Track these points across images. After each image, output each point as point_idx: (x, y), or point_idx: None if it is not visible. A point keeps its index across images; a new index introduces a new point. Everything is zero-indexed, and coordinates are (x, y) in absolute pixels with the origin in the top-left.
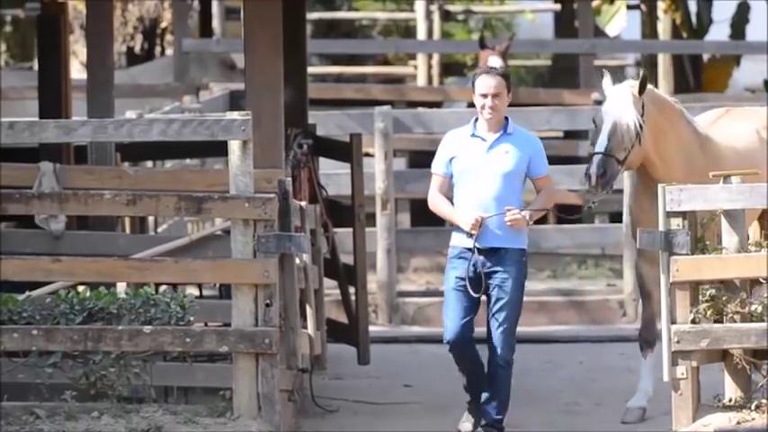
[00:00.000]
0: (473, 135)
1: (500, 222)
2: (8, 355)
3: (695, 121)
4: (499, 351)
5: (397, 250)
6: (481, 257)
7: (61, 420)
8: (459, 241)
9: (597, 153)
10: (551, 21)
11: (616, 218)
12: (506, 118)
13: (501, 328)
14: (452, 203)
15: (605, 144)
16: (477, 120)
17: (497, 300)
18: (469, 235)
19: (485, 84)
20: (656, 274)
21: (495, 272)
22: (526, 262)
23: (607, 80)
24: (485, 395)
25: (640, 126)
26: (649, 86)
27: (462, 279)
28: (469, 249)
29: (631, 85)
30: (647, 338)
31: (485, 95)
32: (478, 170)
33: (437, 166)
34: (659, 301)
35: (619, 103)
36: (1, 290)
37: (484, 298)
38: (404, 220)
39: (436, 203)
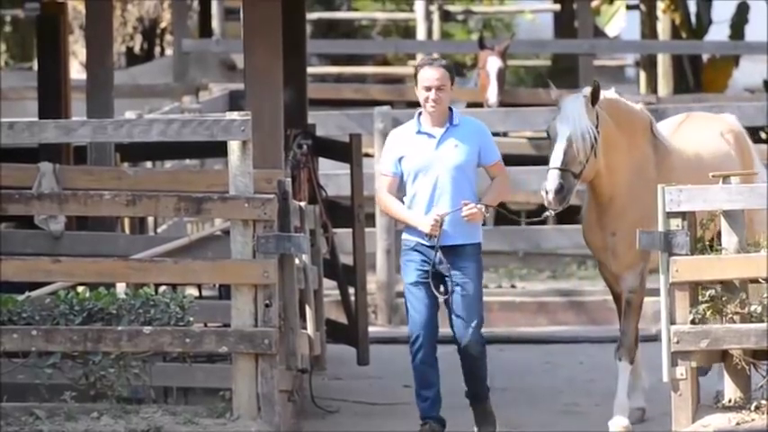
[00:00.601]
0: (419, 132)
1: (457, 220)
2: (8, 356)
3: (660, 134)
4: (474, 348)
5: (396, 251)
6: (439, 255)
7: (61, 421)
8: (413, 237)
9: (553, 168)
10: (551, 21)
11: None
12: (450, 109)
13: (472, 325)
14: (402, 203)
15: (561, 158)
16: (420, 114)
17: (462, 297)
18: (429, 237)
19: (427, 76)
20: (608, 272)
21: (455, 270)
22: (481, 257)
23: (555, 92)
24: (468, 388)
25: (595, 138)
26: (610, 96)
27: (423, 271)
28: (425, 245)
29: (585, 95)
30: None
31: (428, 88)
32: (430, 167)
33: (385, 166)
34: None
35: (573, 115)
36: (1, 290)
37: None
38: None
39: (388, 205)
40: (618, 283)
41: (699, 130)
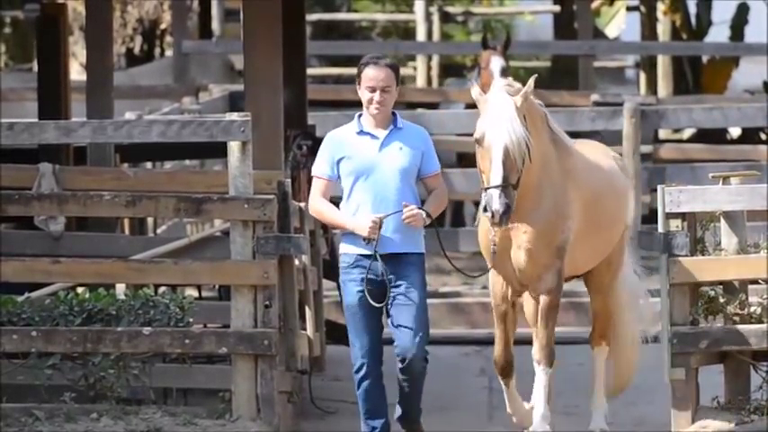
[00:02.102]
0: (360, 132)
1: (399, 226)
2: (7, 357)
3: (557, 129)
4: (417, 364)
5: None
6: (381, 264)
7: (60, 422)
8: (352, 249)
9: (494, 186)
10: (550, 22)
11: None
12: (394, 113)
13: (417, 337)
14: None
15: (500, 174)
16: (360, 116)
17: (407, 308)
18: (367, 241)
19: (372, 76)
20: (509, 292)
21: (398, 279)
22: (425, 268)
23: (476, 90)
24: (400, 410)
25: (528, 143)
26: (528, 89)
27: (363, 292)
28: (365, 256)
29: (509, 92)
30: (504, 366)
31: (372, 89)
32: (373, 169)
33: (321, 168)
34: (513, 324)
35: (504, 120)
36: (0, 291)
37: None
38: None
39: (321, 210)
40: (532, 286)
41: (590, 147)
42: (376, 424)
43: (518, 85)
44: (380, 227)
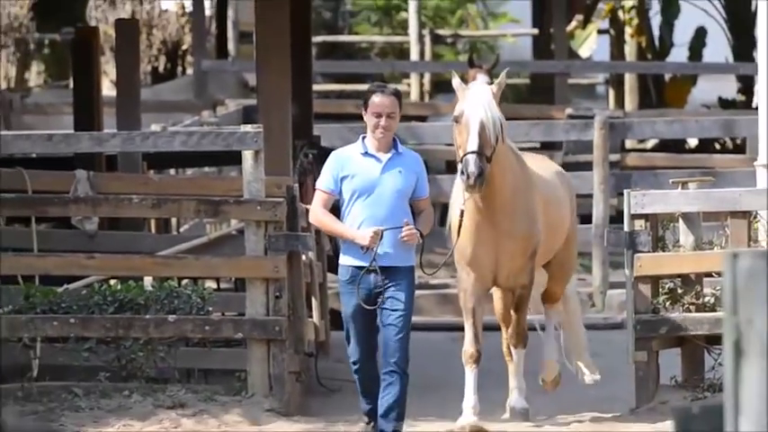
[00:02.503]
0: (365, 154)
1: (393, 241)
2: (49, 341)
3: (510, 143)
4: (398, 360)
5: None
6: (379, 276)
7: (96, 398)
8: (350, 261)
9: (471, 152)
10: (530, 44)
11: (586, 219)
12: (395, 138)
13: (398, 337)
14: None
15: (476, 142)
16: (365, 138)
17: (393, 311)
18: (365, 250)
19: (379, 102)
20: (483, 289)
21: (389, 286)
22: (414, 280)
23: (456, 80)
24: (383, 407)
25: (501, 123)
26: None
27: (363, 300)
28: (361, 268)
29: (488, 82)
30: (473, 354)
31: (379, 115)
32: (374, 189)
33: (325, 183)
34: (481, 315)
35: (481, 102)
36: (42, 283)
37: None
38: None
39: (322, 220)
40: (508, 284)
41: (536, 160)
42: (371, 399)
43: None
44: (381, 237)
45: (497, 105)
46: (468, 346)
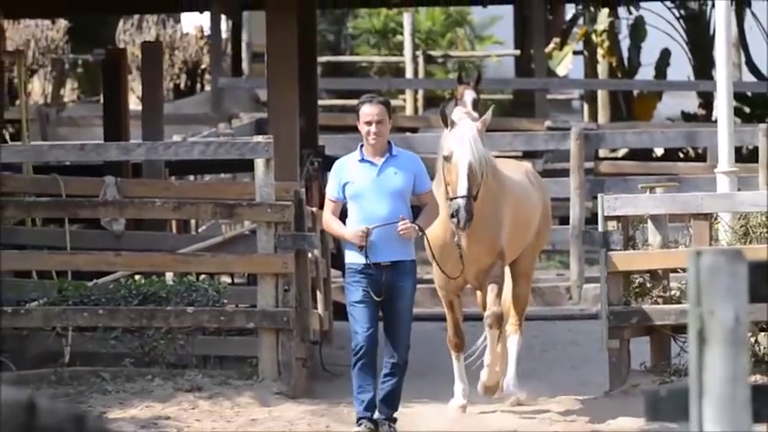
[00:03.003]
0: (362, 160)
1: (391, 237)
2: (79, 330)
3: (487, 151)
4: (399, 353)
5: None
6: (381, 272)
7: (122, 382)
8: (354, 259)
9: (461, 197)
10: (513, 63)
11: (564, 221)
12: (389, 142)
13: (401, 330)
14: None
15: (466, 186)
16: (362, 146)
17: (397, 307)
18: (360, 249)
19: (368, 112)
20: (455, 286)
21: (394, 283)
22: (416, 273)
23: (465, 119)
24: (382, 392)
25: (487, 159)
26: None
27: (366, 292)
28: (367, 266)
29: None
30: (458, 343)
31: (369, 123)
32: (371, 191)
33: (331, 192)
34: (459, 307)
35: (468, 141)
36: (74, 278)
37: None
38: None
39: (330, 224)
40: (480, 281)
41: (510, 165)
42: (365, 397)
43: (475, 113)
44: (368, 235)
45: (482, 140)
46: (452, 336)
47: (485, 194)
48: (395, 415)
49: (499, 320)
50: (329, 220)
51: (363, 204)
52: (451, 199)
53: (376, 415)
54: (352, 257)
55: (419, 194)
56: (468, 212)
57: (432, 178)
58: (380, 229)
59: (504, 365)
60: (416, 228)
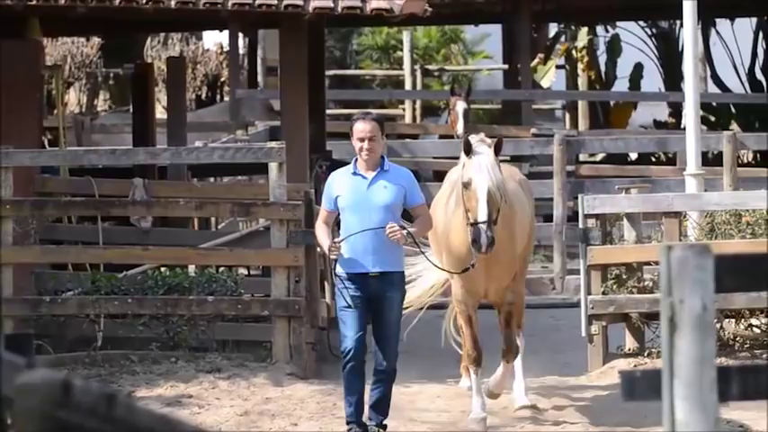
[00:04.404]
0: (354, 173)
1: (382, 247)
2: (111, 317)
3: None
4: (389, 361)
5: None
6: (370, 282)
7: (149, 363)
8: (344, 268)
9: (482, 222)
10: (501, 76)
11: (548, 218)
12: (382, 157)
13: (390, 341)
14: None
15: (486, 212)
16: (356, 160)
17: (386, 317)
18: (331, 259)
19: (360, 129)
20: (475, 301)
21: (383, 293)
22: (405, 284)
23: (483, 147)
24: (372, 399)
25: (504, 187)
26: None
27: (354, 298)
28: (357, 274)
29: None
30: (476, 357)
31: (362, 139)
32: (361, 204)
33: (324, 202)
34: (478, 323)
35: (487, 169)
36: (106, 270)
37: None
38: None
39: (317, 234)
40: (499, 295)
41: (504, 170)
42: (353, 399)
43: (488, 140)
44: (339, 246)
45: (499, 166)
46: (471, 350)
47: (503, 217)
48: (384, 421)
49: (513, 354)
50: (317, 230)
51: (354, 216)
52: (473, 225)
53: (366, 420)
54: (342, 265)
55: (411, 207)
56: (489, 238)
57: (428, 185)
58: (369, 239)
59: (512, 377)
60: (404, 233)
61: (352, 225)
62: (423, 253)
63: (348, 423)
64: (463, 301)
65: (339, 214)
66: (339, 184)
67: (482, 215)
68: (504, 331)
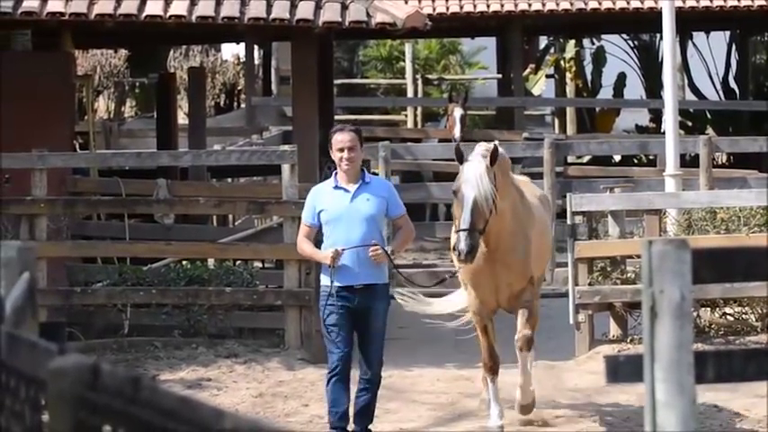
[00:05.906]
0: (336, 187)
1: (367, 261)
2: (136, 306)
3: (513, 175)
4: (373, 370)
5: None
6: (355, 295)
7: (171, 349)
8: (328, 282)
9: (463, 230)
10: (496, 85)
11: None
12: (363, 169)
13: (375, 350)
14: (320, 246)
15: (468, 220)
16: (336, 174)
17: (370, 328)
18: (330, 267)
19: (340, 139)
20: (489, 311)
21: (368, 306)
22: (389, 296)
23: (476, 156)
24: (357, 406)
25: (494, 197)
26: (502, 151)
27: (340, 315)
28: (343, 288)
29: (484, 156)
30: (492, 366)
31: (341, 149)
32: (344, 217)
33: (306, 217)
34: (493, 331)
35: (476, 179)
36: (132, 263)
37: None
38: None
39: (303, 248)
40: (512, 304)
41: (526, 187)
42: (339, 409)
43: (489, 145)
44: (340, 255)
45: (491, 177)
46: (487, 359)
47: (514, 222)
48: (369, 427)
49: (529, 343)
50: (301, 243)
51: (337, 230)
52: (456, 232)
53: (350, 427)
54: (326, 281)
55: (393, 218)
56: (468, 246)
57: (429, 185)
58: (353, 253)
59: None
60: (387, 251)
61: (336, 238)
62: (398, 270)
63: (332, 428)
64: (477, 312)
65: (319, 229)
66: (321, 199)
67: (464, 223)
68: (520, 319)
